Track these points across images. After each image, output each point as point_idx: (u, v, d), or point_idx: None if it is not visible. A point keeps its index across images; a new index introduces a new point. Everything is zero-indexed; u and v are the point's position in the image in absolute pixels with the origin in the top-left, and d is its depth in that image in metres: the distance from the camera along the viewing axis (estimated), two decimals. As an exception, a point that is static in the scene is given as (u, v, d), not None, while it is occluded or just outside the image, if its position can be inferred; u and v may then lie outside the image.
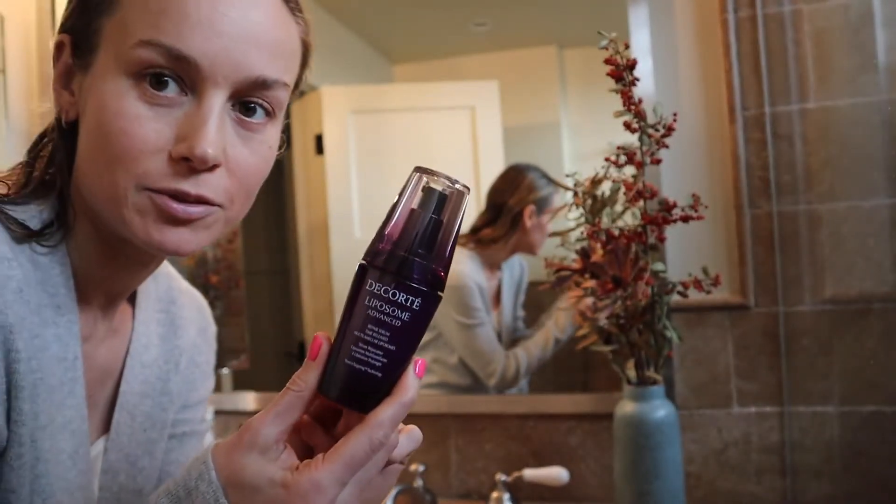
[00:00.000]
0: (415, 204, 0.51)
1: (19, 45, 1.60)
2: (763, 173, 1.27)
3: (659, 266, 1.10)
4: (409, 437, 0.55)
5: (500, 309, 1.60)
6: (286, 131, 0.69)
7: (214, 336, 0.89)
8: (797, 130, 1.26)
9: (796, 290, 1.26)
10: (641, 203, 1.09)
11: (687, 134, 1.26)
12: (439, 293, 0.52)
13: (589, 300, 1.16)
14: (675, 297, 1.13)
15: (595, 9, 1.58)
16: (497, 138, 1.70)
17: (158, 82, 0.56)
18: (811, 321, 1.25)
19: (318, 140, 1.76)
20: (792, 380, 1.26)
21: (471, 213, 1.59)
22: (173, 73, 0.57)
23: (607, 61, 1.06)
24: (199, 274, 1.70)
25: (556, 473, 1.29)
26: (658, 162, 1.10)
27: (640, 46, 1.32)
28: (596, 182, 1.12)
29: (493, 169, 1.62)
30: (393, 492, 1.26)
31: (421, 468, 1.32)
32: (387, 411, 0.50)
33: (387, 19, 1.81)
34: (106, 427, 0.73)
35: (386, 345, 0.50)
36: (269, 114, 0.62)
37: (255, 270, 1.83)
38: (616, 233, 1.10)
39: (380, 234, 0.51)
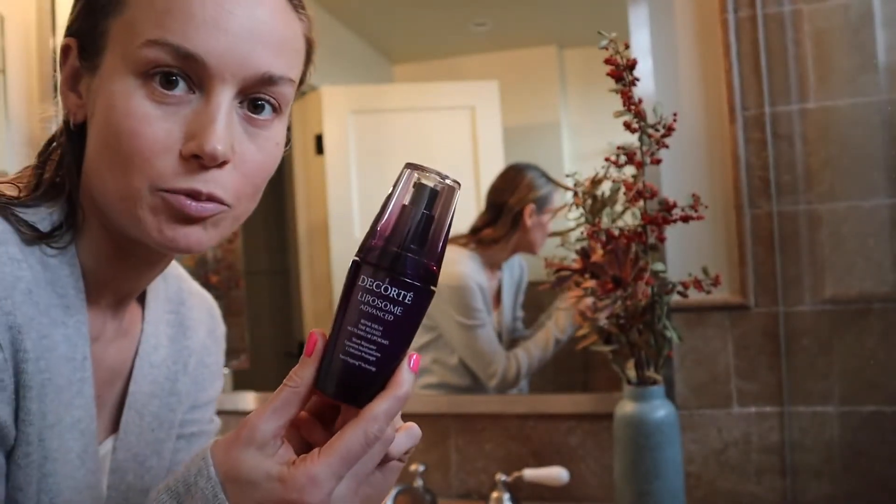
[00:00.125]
0: (406, 200, 0.52)
1: (19, 45, 1.60)
2: (763, 173, 1.27)
3: (659, 266, 1.10)
4: (408, 433, 0.56)
5: (500, 309, 1.60)
6: (287, 131, 0.69)
7: (224, 337, 0.90)
8: (797, 130, 1.26)
9: (796, 290, 1.26)
10: (641, 203, 1.09)
11: (687, 134, 1.26)
12: (432, 287, 0.52)
13: (589, 300, 1.16)
14: (675, 297, 1.13)
15: (595, 9, 1.58)
16: (497, 138, 1.70)
17: (168, 81, 0.57)
18: (811, 321, 1.25)
19: (318, 140, 1.76)
20: (792, 380, 1.26)
21: (471, 213, 1.59)
22: (181, 72, 0.57)
23: (607, 61, 1.06)
24: (199, 274, 1.70)
25: (556, 473, 1.29)
26: (658, 162, 1.10)
27: (640, 46, 1.32)
28: (596, 182, 1.12)
29: (493, 169, 1.62)
30: (393, 492, 1.26)
31: (421, 468, 1.32)
32: (381, 405, 0.51)
33: (387, 19, 1.81)
34: (115, 426, 0.73)
35: (379, 339, 0.51)
36: (276, 110, 0.62)
37: (255, 270, 1.83)
38: (616, 233, 1.10)
39: (372, 230, 0.52)
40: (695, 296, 1.14)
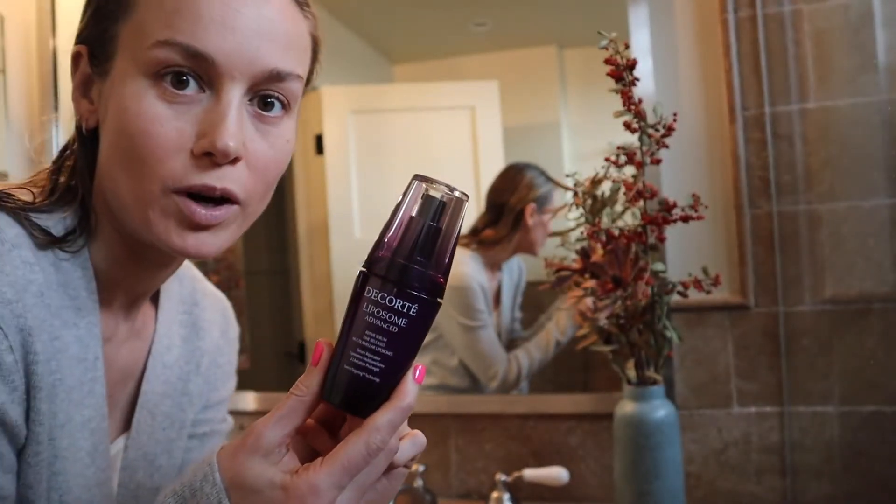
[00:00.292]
0: (414, 211, 0.52)
1: (19, 45, 1.60)
2: (763, 173, 1.27)
3: (659, 266, 1.10)
4: (413, 441, 0.56)
5: (499, 310, 1.60)
6: None
7: (237, 338, 0.91)
8: (797, 130, 1.26)
9: (796, 290, 1.26)
10: (641, 203, 1.09)
11: (687, 134, 1.26)
12: (438, 300, 0.52)
13: (589, 300, 1.16)
14: (675, 297, 1.13)
15: (595, 9, 1.58)
16: (497, 138, 1.70)
17: (179, 81, 0.58)
18: (811, 321, 1.25)
19: (318, 140, 1.76)
20: (792, 380, 1.26)
21: (471, 213, 1.59)
22: (191, 71, 0.58)
23: (607, 61, 1.06)
24: (199, 274, 1.70)
25: (556, 473, 1.29)
26: (658, 162, 1.10)
27: (640, 46, 1.32)
28: (596, 182, 1.12)
29: (493, 169, 1.62)
30: (393, 492, 1.26)
31: (421, 468, 1.32)
32: (384, 416, 0.51)
33: (387, 19, 1.81)
34: (126, 426, 0.74)
35: (384, 351, 0.51)
36: (285, 107, 0.63)
37: (255, 270, 1.83)
38: (616, 233, 1.10)
39: (379, 241, 0.52)
40: (695, 296, 1.14)
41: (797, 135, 1.26)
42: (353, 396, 0.52)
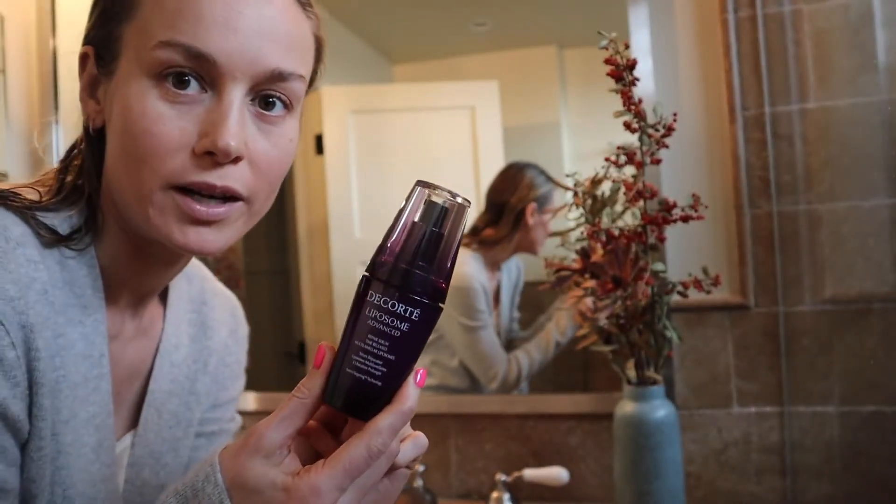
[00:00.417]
0: (417, 217, 0.53)
1: (19, 45, 1.60)
2: (763, 173, 1.27)
3: (659, 266, 1.10)
4: (414, 442, 0.57)
5: (498, 310, 1.60)
6: None
7: (246, 337, 0.92)
8: (797, 130, 1.26)
9: (796, 290, 1.26)
10: (641, 203, 1.09)
11: (687, 134, 1.26)
12: (440, 304, 0.53)
13: (589, 300, 1.16)
14: (675, 297, 1.13)
15: (595, 9, 1.58)
16: (497, 138, 1.70)
17: (180, 81, 0.59)
18: (811, 321, 1.25)
19: (318, 140, 1.76)
20: (792, 380, 1.26)
21: (471, 213, 1.58)
22: (193, 72, 0.59)
23: (607, 61, 1.06)
24: (199, 274, 1.70)
25: (556, 473, 1.29)
26: (658, 162, 1.10)
27: (640, 46, 1.32)
28: (596, 182, 1.12)
29: (493, 169, 1.62)
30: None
31: (421, 468, 1.32)
32: (385, 419, 0.52)
33: (387, 19, 1.81)
34: (134, 423, 0.75)
35: (385, 354, 0.52)
36: (287, 107, 0.64)
37: (255, 270, 1.83)
38: (616, 233, 1.10)
39: (382, 246, 0.53)
40: (695, 296, 1.14)
41: (797, 135, 1.26)
42: (354, 399, 0.53)
